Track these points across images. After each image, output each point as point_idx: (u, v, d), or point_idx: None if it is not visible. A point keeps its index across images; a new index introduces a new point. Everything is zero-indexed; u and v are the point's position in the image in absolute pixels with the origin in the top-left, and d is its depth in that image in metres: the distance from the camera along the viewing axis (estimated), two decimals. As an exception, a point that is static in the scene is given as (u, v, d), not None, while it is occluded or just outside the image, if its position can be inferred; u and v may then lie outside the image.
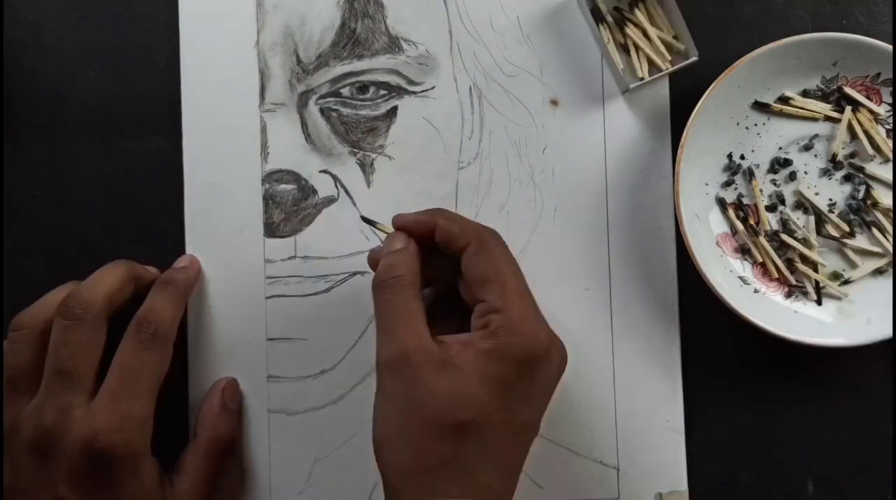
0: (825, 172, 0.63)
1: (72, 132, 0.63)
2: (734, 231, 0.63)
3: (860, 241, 0.63)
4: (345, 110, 0.63)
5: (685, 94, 0.63)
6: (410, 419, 0.50)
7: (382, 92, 0.64)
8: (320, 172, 0.63)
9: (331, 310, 0.63)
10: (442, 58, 0.64)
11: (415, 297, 0.53)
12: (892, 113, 0.63)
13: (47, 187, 0.63)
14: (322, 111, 0.63)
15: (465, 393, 0.49)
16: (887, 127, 0.63)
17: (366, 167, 0.64)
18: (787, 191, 0.63)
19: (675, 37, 0.63)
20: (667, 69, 0.62)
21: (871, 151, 0.63)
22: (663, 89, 0.64)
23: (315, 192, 0.63)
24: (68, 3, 0.63)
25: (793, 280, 0.63)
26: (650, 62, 0.63)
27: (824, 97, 0.63)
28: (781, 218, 0.63)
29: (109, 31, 0.64)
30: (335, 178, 0.63)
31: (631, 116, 0.64)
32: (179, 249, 0.63)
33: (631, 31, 0.63)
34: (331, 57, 0.63)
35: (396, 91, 0.64)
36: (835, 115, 0.63)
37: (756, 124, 0.63)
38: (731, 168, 0.63)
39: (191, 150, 0.63)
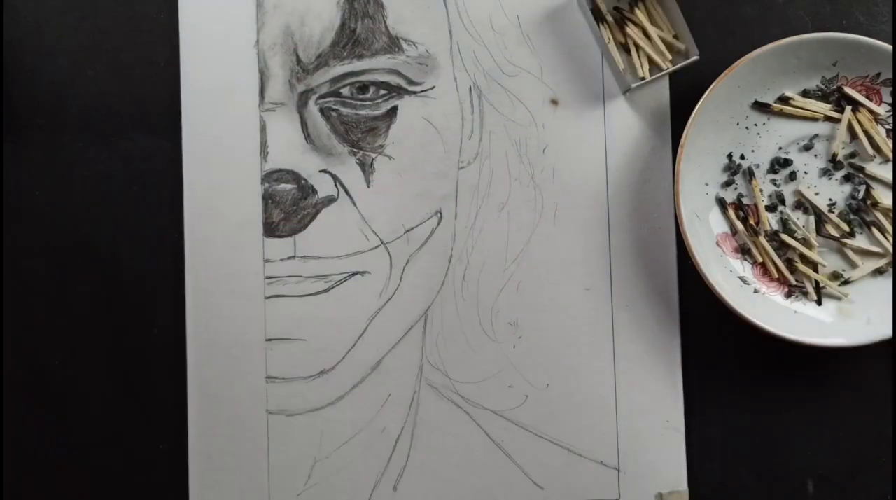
0: (825, 172, 0.63)
1: (72, 132, 0.63)
2: (734, 231, 0.63)
3: (860, 241, 0.63)
4: (345, 110, 0.63)
5: (685, 93, 0.63)
6: None
7: (382, 92, 0.64)
8: (320, 171, 0.63)
9: (330, 310, 0.63)
10: (442, 58, 0.64)
11: None
12: (892, 113, 0.63)
13: (47, 187, 0.63)
14: (322, 111, 0.63)
15: None
16: (887, 127, 0.63)
17: (366, 167, 0.63)
18: (787, 191, 0.64)
19: (675, 36, 0.63)
20: (667, 69, 0.62)
21: (871, 151, 0.63)
22: (664, 89, 0.64)
23: (315, 191, 0.63)
24: (68, 3, 0.63)
25: (793, 280, 0.63)
26: (651, 62, 0.63)
27: (824, 97, 0.63)
28: (781, 218, 0.63)
29: (109, 31, 0.64)
30: (335, 177, 0.63)
31: (631, 115, 0.64)
32: (179, 248, 0.63)
33: (631, 30, 0.63)
34: (331, 57, 0.63)
35: (396, 91, 0.64)
36: (835, 115, 0.63)
37: (756, 124, 0.63)
38: (731, 168, 0.63)
39: (190, 149, 0.63)
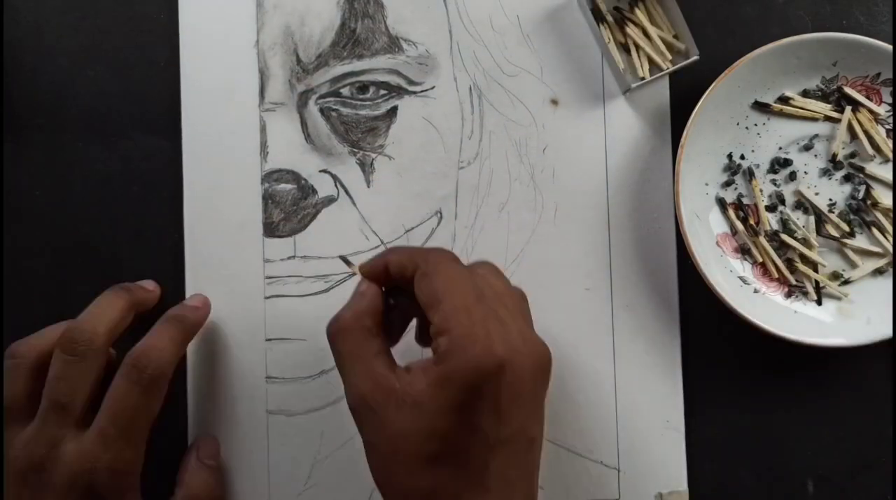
0: (825, 172, 0.63)
1: (72, 132, 0.63)
2: (734, 231, 0.63)
3: (860, 241, 0.63)
4: (345, 110, 0.63)
5: (685, 93, 0.63)
6: (386, 462, 0.50)
7: (382, 92, 0.64)
8: (320, 171, 0.63)
9: (330, 310, 0.61)
10: (442, 58, 0.64)
11: (365, 338, 0.51)
12: (892, 113, 0.63)
13: (47, 187, 0.63)
14: (322, 111, 0.63)
15: (425, 426, 0.48)
16: (887, 127, 0.63)
17: (366, 167, 0.63)
18: (787, 191, 0.64)
19: (675, 36, 0.63)
20: (667, 69, 0.62)
21: (871, 151, 0.63)
22: (664, 89, 0.64)
23: (315, 191, 0.63)
24: (68, 3, 0.63)
25: (793, 280, 0.63)
26: (651, 62, 0.63)
27: (824, 97, 0.63)
28: (781, 218, 0.63)
29: (109, 31, 0.64)
30: (335, 177, 0.63)
31: (631, 115, 0.64)
32: (179, 248, 0.63)
33: (631, 30, 0.63)
34: (331, 57, 0.63)
35: (396, 91, 0.64)
36: (835, 115, 0.63)
37: (756, 124, 0.63)
38: (731, 168, 0.63)
39: (190, 149, 0.63)
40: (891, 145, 0.63)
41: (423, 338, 0.57)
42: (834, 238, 0.63)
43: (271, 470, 0.62)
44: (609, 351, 0.64)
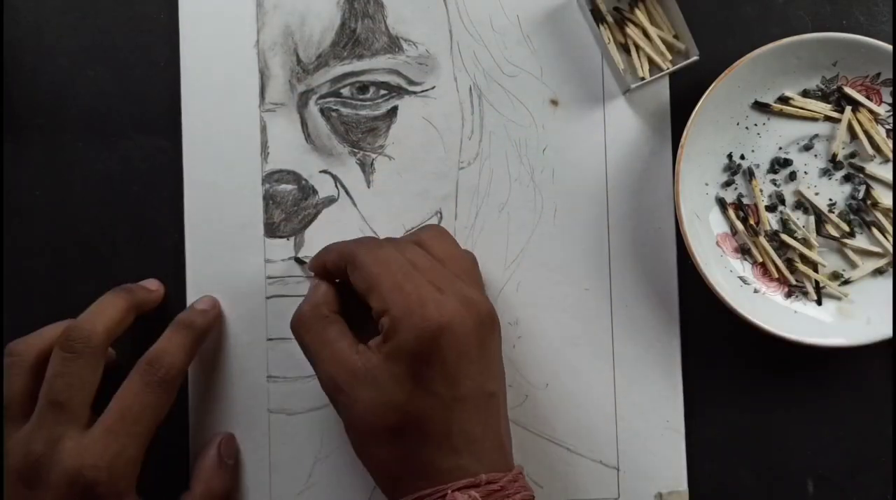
0: (825, 172, 0.63)
1: (72, 132, 0.63)
2: (734, 231, 0.63)
3: (860, 241, 0.63)
4: (345, 110, 0.63)
5: (685, 94, 0.63)
6: (360, 437, 0.54)
7: (382, 92, 0.64)
8: (320, 172, 0.63)
9: (330, 310, 0.63)
10: (442, 58, 0.64)
11: (324, 326, 0.55)
12: (892, 113, 0.63)
13: (47, 187, 0.63)
14: (322, 111, 0.63)
15: (386, 400, 0.52)
16: (887, 127, 0.63)
17: (366, 167, 0.63)
18: (787, 191, 0.63)
19: (675, 36, 0.63)
20: (667, 69, 0.62)
21: (871, 151, 0.63)
22: (664, 89, 0.64)
23: (315, 192, 0.63)
24: (68, 3, 0.63)
25: (793, 280, 0.63)
26: (651, 62, 0.63)
27: (824, 97, 0.63)
28: (781, 218, 0.63)
29: (109, 31, 0.64)
30: (335, 178, 0.63)
31: (631, 115, 0.64)
32: (179, 249, 0.63)
33: (631, 30, 0.63)
34: (331, 57, 0.63)
35: (396, 91, 0.64)
36: (835, 115, 0.63)
37: (756, 124, 0.63)
38: (731, 168, 0.63)
39: (191, 150, 0.63)
40: (891, 145, 0.63)
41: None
42: (834, 238, 0.63)
43: (272, 469, 0.63)
44: (608, 351, 0.64)
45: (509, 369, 0.63)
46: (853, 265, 0.63)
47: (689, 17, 0.61)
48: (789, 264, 0.63)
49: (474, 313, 0.53)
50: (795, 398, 0.64)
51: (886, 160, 0.63)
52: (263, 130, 0.63)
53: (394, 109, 0.64)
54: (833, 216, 0.63)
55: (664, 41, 0.63)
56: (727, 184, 0.63)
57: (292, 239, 0.63)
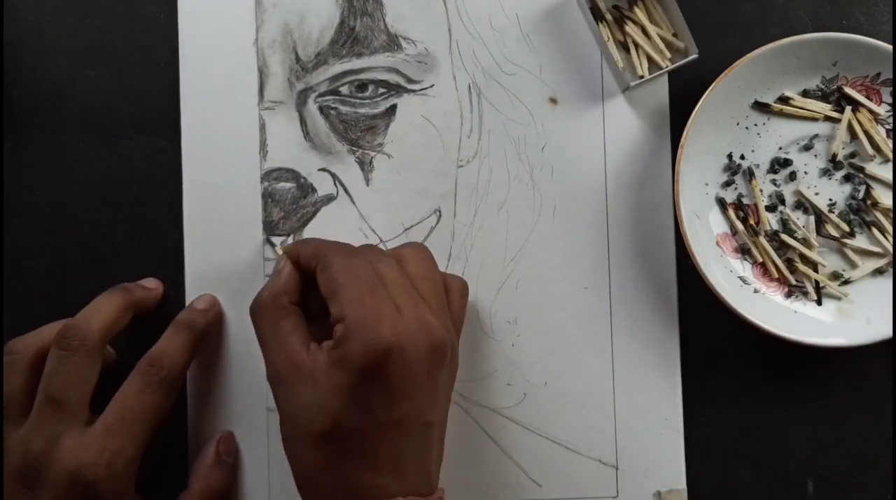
0: (825, 172, 0.63)
1: (72, 132, 0.63)
2: (734, 231, 0.63)
3: (860, 241, 0.63)
4: (344, 108, 0.63)
5: (685, 93, 0.63)
6: (289, 433, 0.54)
7: (381, 90, 0.64)
8: (319, 170, 0.64)
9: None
10: (441, 56, 0.64)
11: (280, 317, 0.55)
12: (892, 113, 0.62)
13: (47, 187, 0.63)
14: (321, 109, 0.63)
15: (321, 404, 0.51)
16: (887, 127, 0.63)
17: (365, 165, 0.64)
18: (787, 191, 0.63)
19: (674, 35, 0.62)
20: (667, 67, 0.62)
21: (871, 151, 0.62)
22: (663, 88, 0.64)
23: (314, 190, 0.64)
24: (68, 3, 0.64)
25: (793, 280, 0.63)
26: (650, 60, 0.63)
27: (824, 97, 0.63)
28: (781, 218, 0.63)
29: (109, 31, 0.64)
30: (334, 176, 0.64)
31: (631, 114, 0.64)
32: (179, 248, 0.63)
33: (630, 29, 0.62)
34: (330, 55, 0.63)
35: (395, 89, 0.64)
36: (835, 115, 0.62)
37: (756, 124, 0.63)
38: (731, 168, 0.63)
39: (190, 149, 0.63)
40: (891, 145, 0.62)
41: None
42: (834, 238, 0.63)
43: (271, 466, 0.63)
44: (608, 350, 0.64)
45: (508, 367, 0.63)
46: (853, 265, 0.63)
47: (689, 17, 0.61)
48: (789, 264, 0.63)
49: (428, 339, 0.52)
50: (795, 398, 0.64)
51: (886, 160, 0.63)
52: (262, 128, 0.63)
53: (393, 108, 0.64)
54: (833, 216, 0.63)
55: (663, 39, 0.62)
56: (727, 184, 0.63)
57: (291, 237, 0.63)
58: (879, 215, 0.62)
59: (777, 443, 0.64)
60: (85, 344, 0.55)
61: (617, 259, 0.64)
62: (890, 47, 0.59)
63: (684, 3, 0.61)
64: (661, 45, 0.62)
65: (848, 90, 0.62)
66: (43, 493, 0.54)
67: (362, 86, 0.63)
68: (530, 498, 0.63)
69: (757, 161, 0.63)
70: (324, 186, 0.64)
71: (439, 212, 0.64)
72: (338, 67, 0.63)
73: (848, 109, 0.62)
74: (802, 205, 0.63)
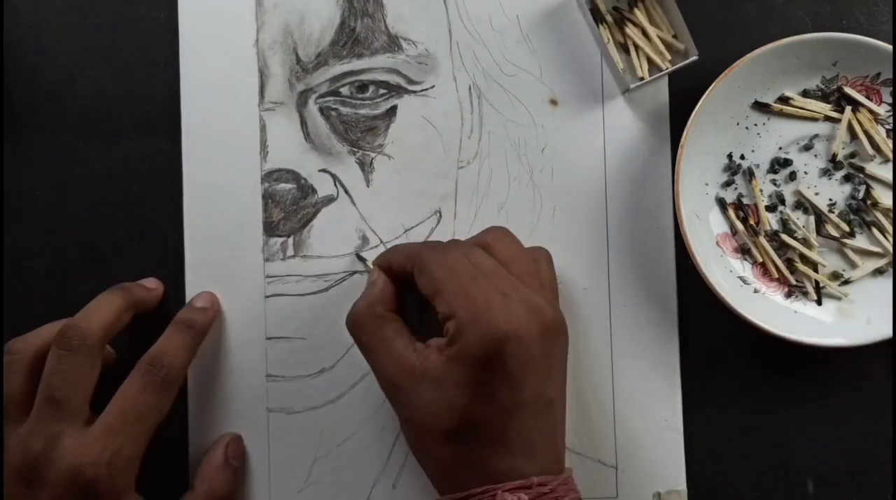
0: (825, 172, 0.63)
1: (72, 132, 0.63)
2: (734, 231, 0.63)
3: (860, 241, 0.63)
4: (344, 109, 0.63)
5: (685, 94, 0.63)
6: (416, 435, 0.55)
7: (382, 91, 0.64)
8: (319, 171, 0.63)
9: (330, 309, 0.63)
10: (441, 57, 0.64)
11: (380, 325, 0.56)
12: (892, 113, 0.62)
13: (47, 187, 0.63)
14: (321, 110, 0.63)
15: (447, 402, 0.52)
16: (887, 127, 0.63)
17: (365, 166, 0.64)
18: (787, 191, 0.63)
19: (674, 36, 0.63)
20: (667, 69, 0.62)
21: (871, 151, 0.63)
22: (663, 89, 0.64)
23: (314, 191, 0.63)
24: (68, 3, 0.64)
25: (793, 280, 0.63)
26: (650, 62, 0.63)
27: (824, 97, 0.63)
28: (781, 218, 0.63)
29: (109, 31, 0.64)
30: (334, 177, 0.64)
31: (631, 115, 0.64)
32: (179, 248, 0.63)
33: (630, 30, 0.62)
34: (330, 56, 0.63)
35: (396, 90, 0.64)
36: (835, 115, 0.63)
37: (756, 124, 0.63)
38: (731, 168, 0.63)
39: (190, 149, 0.63)
40: (891, 145, 0.62)
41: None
42: (834, 238, 0.63)
43: (272, 468, 0.63)
44: (607, 350, 0.64)
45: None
46: (853, 265, 0.63)
47: (689, 17, 0.61)
48: (789, 264, 0.63)
49: (539, 321, 0.53)
50: (795, 398, 0.64)
51: (886, 160, 0.63)
52: (263, 129, 0.63)
53: (393, 108, 0.64)
54: (833, 216, 0.63)
55: (663, 41, 0.62)
56: (727, 184, 0.63)
57: (291, 238, 0.63)
58: (879, 215, 0.63)
59: (777, 443, 0.64)
60: (85, 344, 0.55)
61: (616, 260, 0.64)
62: (890, 47, 0.60)
63: (684, 4, 0.61)
64: (661, 47, 0.62)
65: (848, 90, 0.62)
66: (43, 493, 0.53)
67: (363, 87, 0.63)
68: (531, 499, 0.63)
69: (757, 161, 0.63)
70: (324, 187, 0.64)
71: (440, 213, 0.64)
72: (338, 68, 0.63)
73: (848, 109, 0.62)
74: (802, 205, 0.63)
